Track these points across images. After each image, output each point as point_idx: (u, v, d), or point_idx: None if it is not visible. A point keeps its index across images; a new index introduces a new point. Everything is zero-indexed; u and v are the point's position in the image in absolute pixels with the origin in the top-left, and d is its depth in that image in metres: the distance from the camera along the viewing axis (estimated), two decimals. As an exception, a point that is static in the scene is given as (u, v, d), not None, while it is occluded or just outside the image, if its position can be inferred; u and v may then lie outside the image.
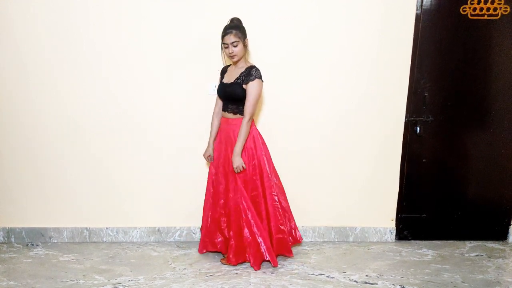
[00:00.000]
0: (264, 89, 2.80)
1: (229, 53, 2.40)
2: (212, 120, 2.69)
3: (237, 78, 2.45)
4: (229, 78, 2.52)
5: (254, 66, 2.45)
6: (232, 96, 2.47)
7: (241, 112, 2.49)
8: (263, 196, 2.56)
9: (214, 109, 2.69)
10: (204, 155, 2.73)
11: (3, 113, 2.84)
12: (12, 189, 2.94)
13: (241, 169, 2.46)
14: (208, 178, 2.71)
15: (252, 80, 2.40)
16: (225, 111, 2.57)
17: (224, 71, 2.61)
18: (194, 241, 3.01)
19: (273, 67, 2.81)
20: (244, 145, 2.48)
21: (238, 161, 2.44)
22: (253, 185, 2.55)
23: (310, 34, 2.80)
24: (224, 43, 2.41)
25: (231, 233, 2.55)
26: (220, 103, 2.63)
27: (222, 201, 2.62)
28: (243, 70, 2.46)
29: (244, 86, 2.43)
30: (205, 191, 2.72)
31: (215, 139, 2.68)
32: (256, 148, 2.55)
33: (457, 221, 3.06)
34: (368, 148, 2.96)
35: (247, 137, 2.50)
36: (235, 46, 2.38)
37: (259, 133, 2.63)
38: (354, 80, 2.87)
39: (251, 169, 2.53)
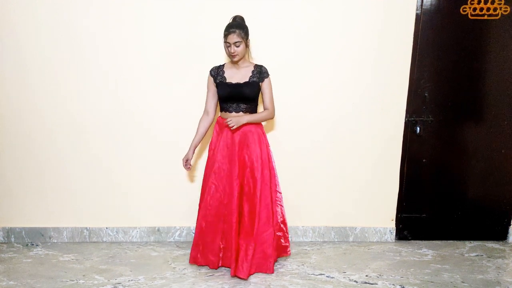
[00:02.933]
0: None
1: (231, 52, 2.38)
2: (199, 127, 2.59)
3: (251, 77, 2.45)
4: (238, 78, 2.45)
5: (261, 65, 2.51)
6: (250, 96, 2.44)
7: (251, 111, 2.49)
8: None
9: (202, 117, 2.59)
10: (183, 159, 2.60)
11: (3, 112, 2.84)
12: (12, 189, 2.94)
13: (234, 126, 2.38)
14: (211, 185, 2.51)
15: (266, 77, 2.49)
16: (236, 111, 2.47)
17: (221, 72, 2.48)
18: (194, 241, 3.01)
19: (273, 67, 2.79)
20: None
21: (240, 122, 2.40)
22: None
23: (310, 34, 2.80)
24: (226, 42, 2.38)
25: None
26: (213, 109, 2.56)
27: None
28: (252, 69, 2.47)
29: (260, 84, 2.47)
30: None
31: (197, 145, 2.62)
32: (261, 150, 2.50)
33: (457, 221, 3.06)
34: (368, 148, 2.96)
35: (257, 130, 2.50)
36: (237, 46, 2.36)
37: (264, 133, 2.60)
38: (354, 80, 2.87)
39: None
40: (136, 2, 2.72)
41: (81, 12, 2.71)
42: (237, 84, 2.44)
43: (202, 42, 2.76)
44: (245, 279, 2.42)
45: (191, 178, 2.96)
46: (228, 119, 2.40)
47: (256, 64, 2.50)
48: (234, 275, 2.43)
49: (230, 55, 2.41)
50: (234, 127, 2.40)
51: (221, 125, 2.54)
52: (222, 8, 2.71)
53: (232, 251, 2.42)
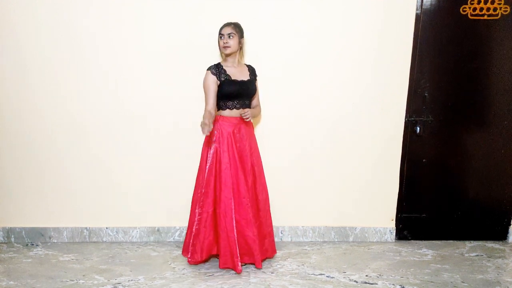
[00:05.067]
0: (265, 90, 2.81)
1: (224, 43, 2.44)
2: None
3: (249, 75, 2.59)
4: (241, 76, 2.54)
5: (250, 64, 2.65)
6: (253, 93, 2.60)
7: (250, 107, 2.64)
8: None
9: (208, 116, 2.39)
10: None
11: (3, 112, 2.84)
12: (12, 189, 2.94)
13: (249, 118, 2.51)
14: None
15: (257, 76, 2.65)
16: (243, 108, 2.53)
17: (223, 70, 2.48)
18: (194, 241, 3.01)
19: (273, 67, 2.81)
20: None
21: (251, 115, 2.55)
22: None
23: (310, 34, 2.80)
24: (220, 34, 2.47)
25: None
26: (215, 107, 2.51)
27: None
28: (246, 67, 2.61)
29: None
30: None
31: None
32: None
33: (457, 221, 3.06)
34: (368, 148, 2.96)
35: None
36: (230, 38, 2.44)
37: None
38: (354, 80, 2.87)
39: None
40: (136, 2, 2.72)
41: (81, 12, 2.71)
42: (243, 82, 2.53)
43: (202, 42, 2.76)
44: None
45: (191, 178, 2.95)
46: (246, 111, 2.48)
47: (246, 64, 2.63)
48: None
49: (223, 47, 2.46)
50: (250, 119, 2.52)
51: (225, 124, 2.50)
52: (222, 8, 2.72)
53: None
